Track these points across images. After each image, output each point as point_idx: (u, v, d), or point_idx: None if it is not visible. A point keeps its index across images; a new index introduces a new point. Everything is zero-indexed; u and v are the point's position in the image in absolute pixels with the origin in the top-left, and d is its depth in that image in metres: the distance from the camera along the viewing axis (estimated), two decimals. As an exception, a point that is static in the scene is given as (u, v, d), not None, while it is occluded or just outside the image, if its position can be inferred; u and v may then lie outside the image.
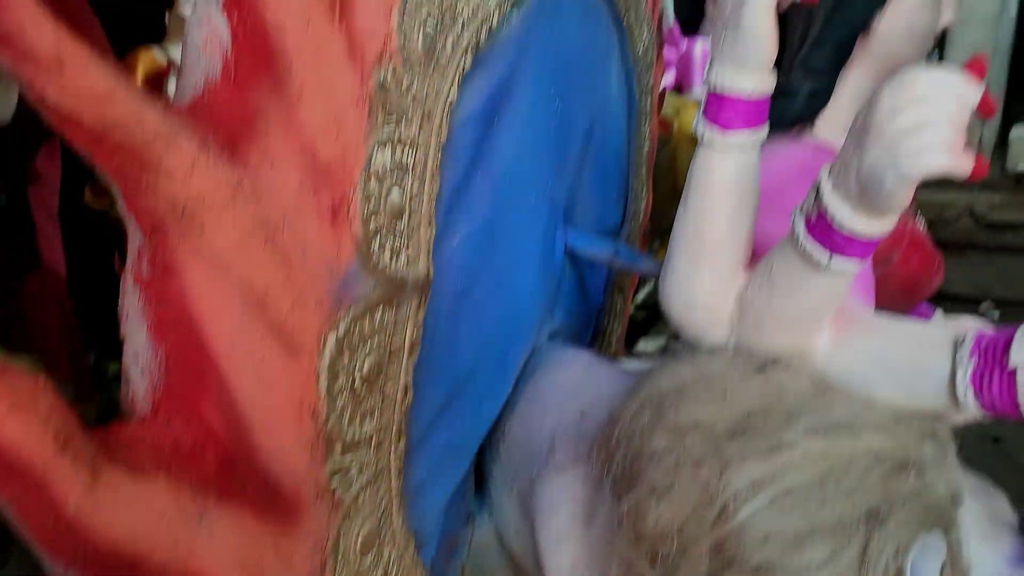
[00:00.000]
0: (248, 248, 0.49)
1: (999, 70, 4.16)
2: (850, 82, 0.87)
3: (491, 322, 0.91)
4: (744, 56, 0.66)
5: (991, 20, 4.19)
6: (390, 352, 0.68)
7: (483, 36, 0.75)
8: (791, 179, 0.79)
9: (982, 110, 0.55)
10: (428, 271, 0.69)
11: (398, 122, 0.63)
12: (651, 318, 2.43)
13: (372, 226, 0.61)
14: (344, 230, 0.58)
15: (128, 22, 1.24)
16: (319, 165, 0.55)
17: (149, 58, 1.43)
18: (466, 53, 0.72)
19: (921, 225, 1.03)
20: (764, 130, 0.71)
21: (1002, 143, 4.01)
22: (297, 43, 0.51)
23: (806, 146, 0.87)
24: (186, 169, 0.44)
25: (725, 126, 0.69)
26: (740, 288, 0.74)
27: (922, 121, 0.54)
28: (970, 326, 1.20)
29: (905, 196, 0.57)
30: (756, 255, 0.74)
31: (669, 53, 2.85)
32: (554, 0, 0.94)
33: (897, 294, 0.98)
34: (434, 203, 0.69)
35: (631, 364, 1.24)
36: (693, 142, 0.76)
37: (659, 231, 2.62)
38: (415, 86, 0.65)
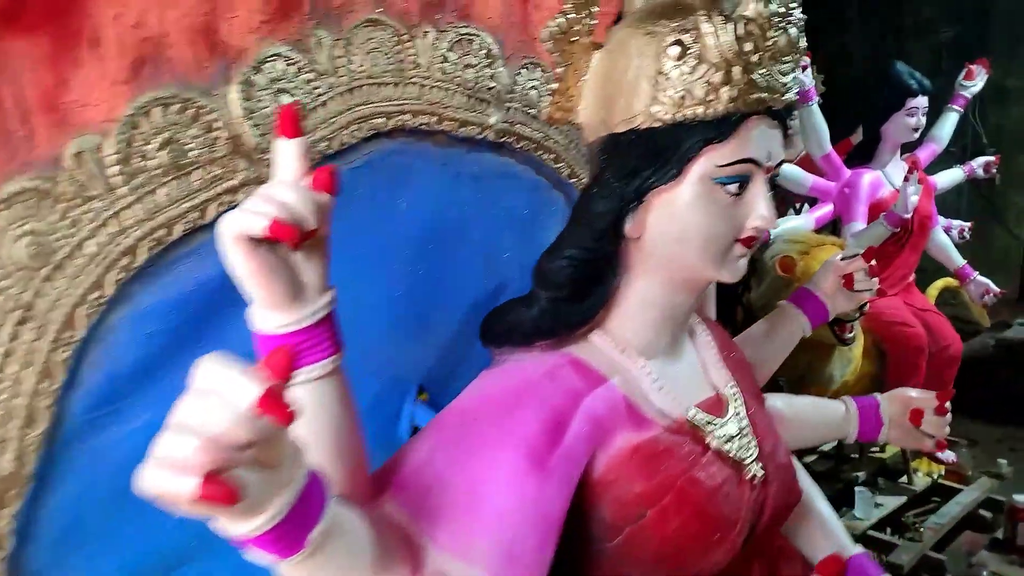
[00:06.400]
0: None
1: None
2: (638, 287, 0.75)
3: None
4: (250, 296, 0.56)
5: None
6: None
7: (179, 231, 0.72)
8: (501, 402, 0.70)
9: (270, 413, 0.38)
10: (18, 466, 0.68)
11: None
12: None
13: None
14: None
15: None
16: None
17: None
18: (134, 251, 0.70)
19: (714, 471, 0.73)
20: (326, 363, 0.60)
21: None
22: None
23: (545, 361, 0.73)
24: None
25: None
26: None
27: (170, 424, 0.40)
28: None
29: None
30: None
31: (826, 184, 2.36)
32: (382, 184, 0.86)
33: (653, 560, 0.71)
34: (52, 399, 0.69)
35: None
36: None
37: (788, 381, 2.23)
38: (10, 292, 0.64)
